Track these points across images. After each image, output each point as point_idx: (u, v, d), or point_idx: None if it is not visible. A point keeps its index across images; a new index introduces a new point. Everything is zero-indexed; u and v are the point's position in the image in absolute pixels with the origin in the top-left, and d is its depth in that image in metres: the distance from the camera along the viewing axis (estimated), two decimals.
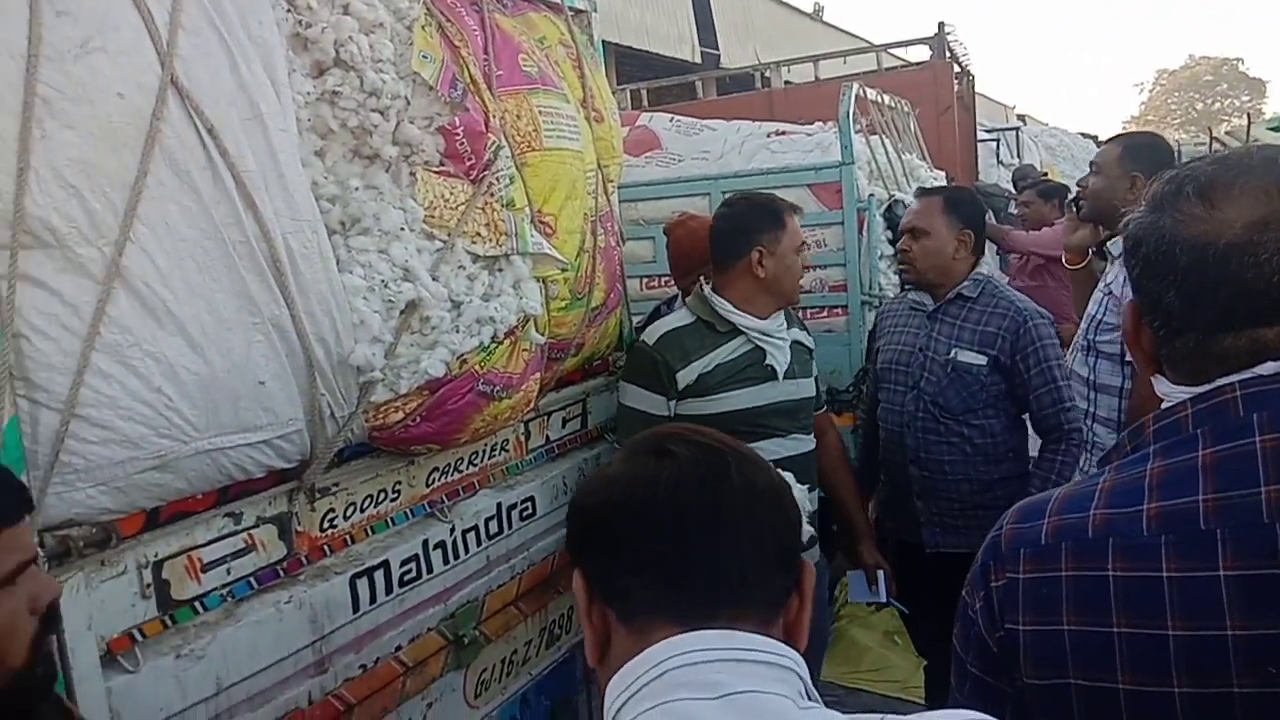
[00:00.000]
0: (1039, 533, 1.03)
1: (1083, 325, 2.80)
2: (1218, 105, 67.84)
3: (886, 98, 4.89)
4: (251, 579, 1.74)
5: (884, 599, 2.82)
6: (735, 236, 2.55)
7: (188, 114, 1.49)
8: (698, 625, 0.87)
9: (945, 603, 2.99)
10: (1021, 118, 24.38)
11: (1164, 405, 1.02)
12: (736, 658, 0.85)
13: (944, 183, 5.22)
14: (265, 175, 1.59)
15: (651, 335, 2.59)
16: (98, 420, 1.40)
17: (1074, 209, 3.56)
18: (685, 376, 2.49)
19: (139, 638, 1.53)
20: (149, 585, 1.56)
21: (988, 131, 12.09)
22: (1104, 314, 2.67)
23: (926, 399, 2.83)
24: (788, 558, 0.94)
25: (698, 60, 14.78)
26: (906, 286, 3.01)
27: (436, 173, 1.93)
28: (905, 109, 5.33)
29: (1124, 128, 70.65)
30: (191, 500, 1.61)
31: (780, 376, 2.53)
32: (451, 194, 1.95)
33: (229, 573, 1.70)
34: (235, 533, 1.71)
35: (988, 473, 2.81)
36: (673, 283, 3.99)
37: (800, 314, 3.11)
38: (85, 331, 1.38)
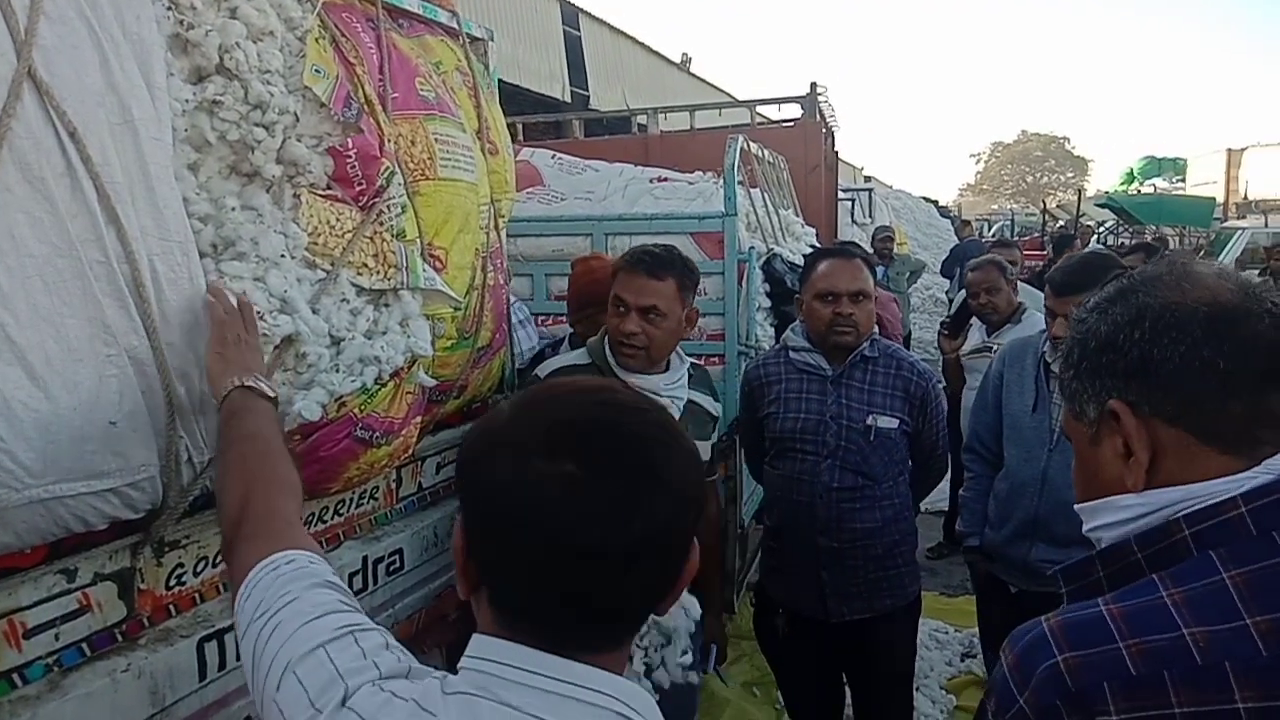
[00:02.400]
0: (1120, 662, 0.89)
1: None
2: (1046, 179, 73.27)
3: (766, 152, 4.96)
4: (84, 644, 1.52)
5: (711, 669, 2.88)
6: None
7: (46, 113, 1.29)
8: (554, 649, 0.89)
9: (833, 671, 3.00)
10: (868, 179, 25.57)
11: (1197, 502, 0.94)
12: (560, 691, 0.88)
13: (815, 240, 5.33)
14: (133, 188, 1.40)
15: (544, 370, 2.50)
16: None
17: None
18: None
19: None
20: None
21: (844, 191, 12.58)
22: None
23: (849, 468, 2.75)
24: (674, 577, 0.95)
25: (567, 99, 14.82)
26: (793, 344, 2.90)
27: (323, 196, 1.78)
28: (781, 164, 5.42)
29: (960, 194, 75.27)
30: (18, 555, 1.39)
31: None
32: (338, 220, 1.79)
33: (57, 638, 1.48)
34: (68, 591, 1.49)
35: (896, 531, 2.81)
36: (553, 322, 3.92)
37: None
38: None
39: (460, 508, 0.96)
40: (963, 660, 4.53)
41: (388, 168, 1.86)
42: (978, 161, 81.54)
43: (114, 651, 1.57)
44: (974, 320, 4.83)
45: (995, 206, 54.07)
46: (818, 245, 5.34)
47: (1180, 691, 0.86)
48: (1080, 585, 1.02)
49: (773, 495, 2.94)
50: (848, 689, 3.07)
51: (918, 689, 4.12)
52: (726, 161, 3.88)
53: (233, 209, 1.63)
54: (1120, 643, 0.90)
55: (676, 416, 2.40)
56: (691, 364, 2.65)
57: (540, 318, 3.91)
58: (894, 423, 2.77)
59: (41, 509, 1.34)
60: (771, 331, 4.18)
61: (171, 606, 1.69)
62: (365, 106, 1.84)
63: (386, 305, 1.89)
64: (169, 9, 1.56)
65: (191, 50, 1.59)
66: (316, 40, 1.79)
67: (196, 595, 1.75)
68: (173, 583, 1.70)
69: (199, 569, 1.76)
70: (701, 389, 2.65)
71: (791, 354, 2.89)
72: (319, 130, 1.78)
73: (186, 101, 1.56)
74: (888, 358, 2.83)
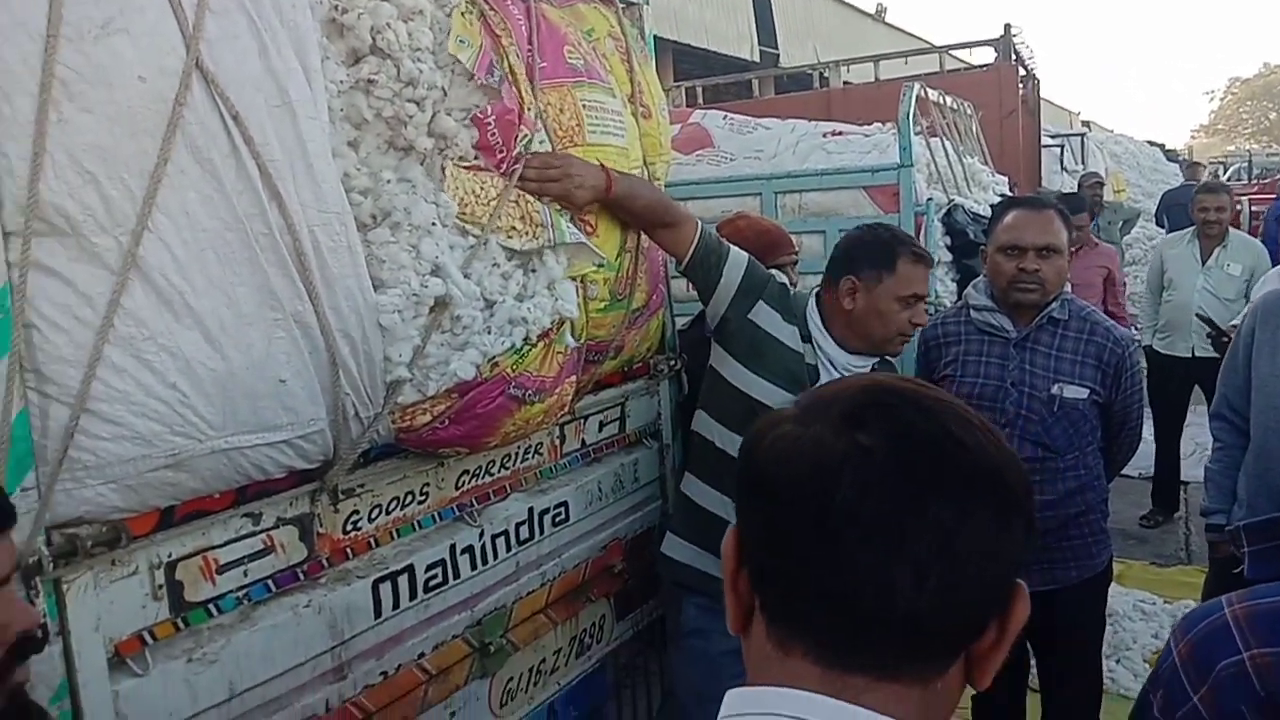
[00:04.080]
0: None
1: None
2: None
3: (949, 99, 4.74)
4: (269, 582, 1.69)
5: None
6: (839, 260, 2.43)
7: (212, 99, 1.43)
8: (839, 668, 0.71)
9: (1016, 641, 2.88)
10: (1086, 124, 23.85)
11: None
12: None
13: (1006, 188, 5.06)
14: (292, 165, 1.53)
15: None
16: (109, 416, 1.35)
17: None
18: (748, 305, 2.35)
19: (149, 640, 1.48)
20: (161, 586, 1.51)
21: (1052, 137, 11.82)
22: None
23: (1029, 438, 2.58)
24: (992, 592, 0.73)
25: (756, 59, 14.64)
26: (975, 301, 2.72)
27: (468, 168, 1.86)
28: (968, 111, 5.17)
29: (1193, 137, 69.07)
30: (208, 500, 1.56)
31: None
32: (483, 189, 1.88)
33: (246, 575, 1.65)
34: (253, 534, 1.66)
35: (1081, 503, 2.64)
36: None
37: None
38: (98, 324, 1.33)
39: (737, 516, 0.81)
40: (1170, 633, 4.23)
41: (525, 135, 1.92)
42: (1212, 99, 74.46)
43: (297, 589, 1.74)
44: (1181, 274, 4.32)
45: (1232, 147, 49.13)
46: (1010, 194, 5.07)
47: None
48: (1263, 548, 0.91)
49: None
50: (1032, 659, 2.95)
51: (1118, 661, 3.90)
52: (900, 110, 3.75)
53: (388, 181, 1.75)
54: None
55: None
56: (882, 358, 2.54)
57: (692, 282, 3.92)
58: (1083, 392, 2.57)
59: (223, 458, 1.50)
60: (954, 288, 4.02)
61: (348, 549, 1.85)
62: (508, 75, 1.91)
63: (533, 270, 1.96)
64: None
65: (346, 33, 1.70)
66: (463, 14, 1.87)
67: (372, 540, 1.90)
68: (349, 528, 1.85)
69: (373, 515, 1.91)
70: None
71: (973, 313, 2.71)
72: (466, 103, 1.87)
73: (342, 83, 1.68)
74: (1080, 320, 2.62)
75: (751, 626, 0.77)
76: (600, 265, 2.14)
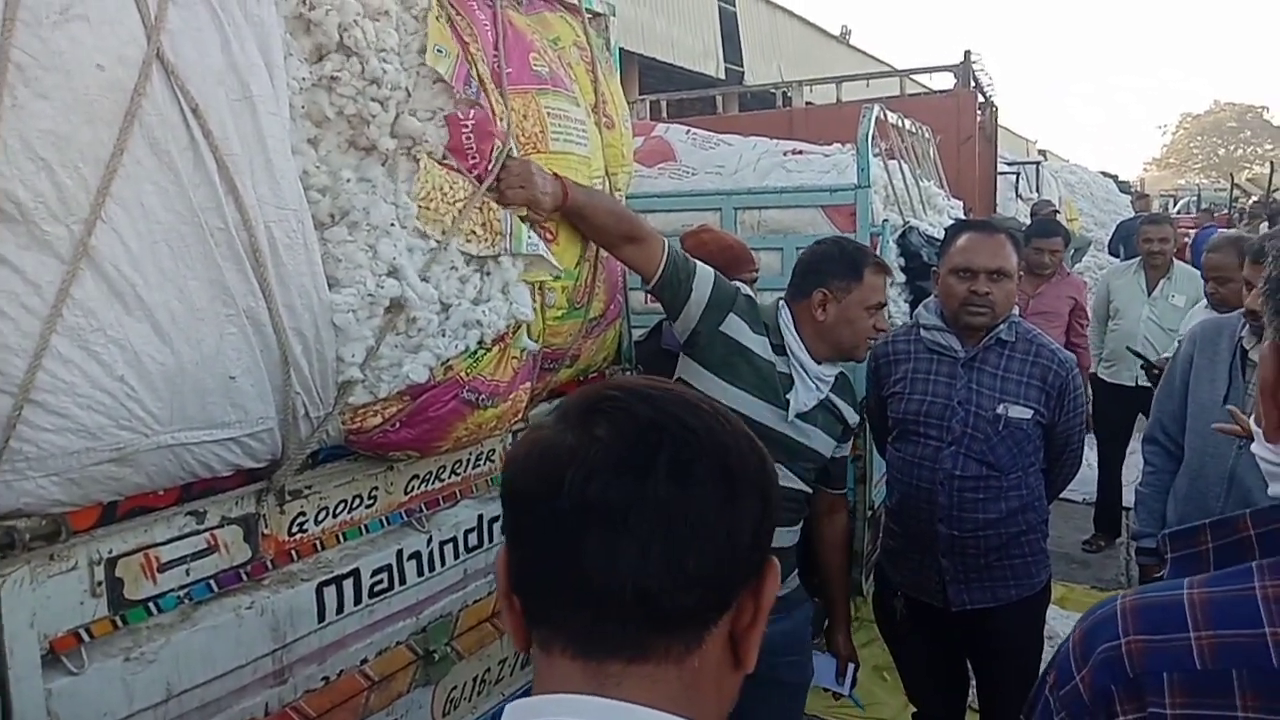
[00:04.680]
0: (1187, 653, 0.83)
1: None
2: (1240, 152, 67.83)
3: (908, 122, 4.81)
4: (212, 581, 1.66)
5: (846, 692, 2.78)
6: (807, 274, 2.47)
7: (172, 91, 1.41)
8: (594, 658, 0.73)
9: (955, 659, 2.89)
10: (1042, 152, 24.34)
11: None
12: None
13: (961, 213, 5.15)
14: (251, 160, 1.51)
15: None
16: (54, 407, 1.33)
17: None
18: (719, 318, 2.37)
19: (86, 638, 1.45)
20: (100, 583, 1.48)
21: (1008, 164, 12.04)
22: None
23: (973, 456, 2.62)
24: (730, 565, 0.75)
25: (721, 76, 14.77)
26: (925, 321, 2.76)
27: (440, 164, 1.86)
28: (926, 135, 5.26)
29: (1145, 169, 70.72)
30: (152, 496, 1.53)
31: (790, 414, 2.36)
32: (451, 189, 1.88)
33: (188, 574, 1.62)
34: (197, 532, 1.64)
35: (1023, 522, 2.68)
36: None
37: None
38: (46, 313, 1.30)
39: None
40: None
41: (500, 146, 1.93)
42: (1164, 134, 76.41)
43: (239, 590, 1.71)
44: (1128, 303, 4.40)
45: (1182, 181, 50.42)
46: (964, 219, 5.16)
47: (1247, 694, 0.79)
48: (1184, 555, 0.94)
49: (893, 477, 2.83)
50: (973, 678, 2.99)
51: None
52: (859, 132, 3.80)
53: (348, 180, 1.74)
54: (1190, 634, 0.83)
55: (817, 399, 2.42)
56: (841, 372, 2.58)
57: (650, 294, 3.93)
58: (1028, 413, 2.62)
59: (169, 454, 1.48)
60: (906, 308, 4.07)
61: (293, 551, 1.83)
62: (480, 84, 1.91)
63: (488, 273, 1.96)
64: None
65: (312, 29, 1.70)
66: (436, 18, 1.87)
67: (317, 542, 1.88)
68: (294, 530, 1.83)
69: (320, 518, 1.89)
70: (845, 396, 2.55)
71: (923, 332, 2.75)
72: (432, 105, 1.87)
73: (304, 80, 1.67)
74: (1026, 342, 2.67)
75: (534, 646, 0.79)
76: (557, 276, 2.14)
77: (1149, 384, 4.31)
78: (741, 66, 15.56)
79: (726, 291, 2.39)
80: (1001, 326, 2.65)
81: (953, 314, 2.67)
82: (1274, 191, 18.03)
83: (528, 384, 2.14)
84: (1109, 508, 5.87)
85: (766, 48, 16.71)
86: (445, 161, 1.89)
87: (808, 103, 7.64)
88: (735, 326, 2.37)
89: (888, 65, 20.17)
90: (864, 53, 21.01)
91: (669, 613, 0.73)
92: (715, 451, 0.75)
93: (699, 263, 2.40)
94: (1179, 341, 4.11)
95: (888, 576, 2.93)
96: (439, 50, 1.85)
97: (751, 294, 2.51)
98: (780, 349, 2.43)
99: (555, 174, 2.12)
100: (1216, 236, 4.23)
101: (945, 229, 3.23)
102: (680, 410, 0.77)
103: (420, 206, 1.81)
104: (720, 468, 0.75)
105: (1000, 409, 2.61)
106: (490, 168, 1.95)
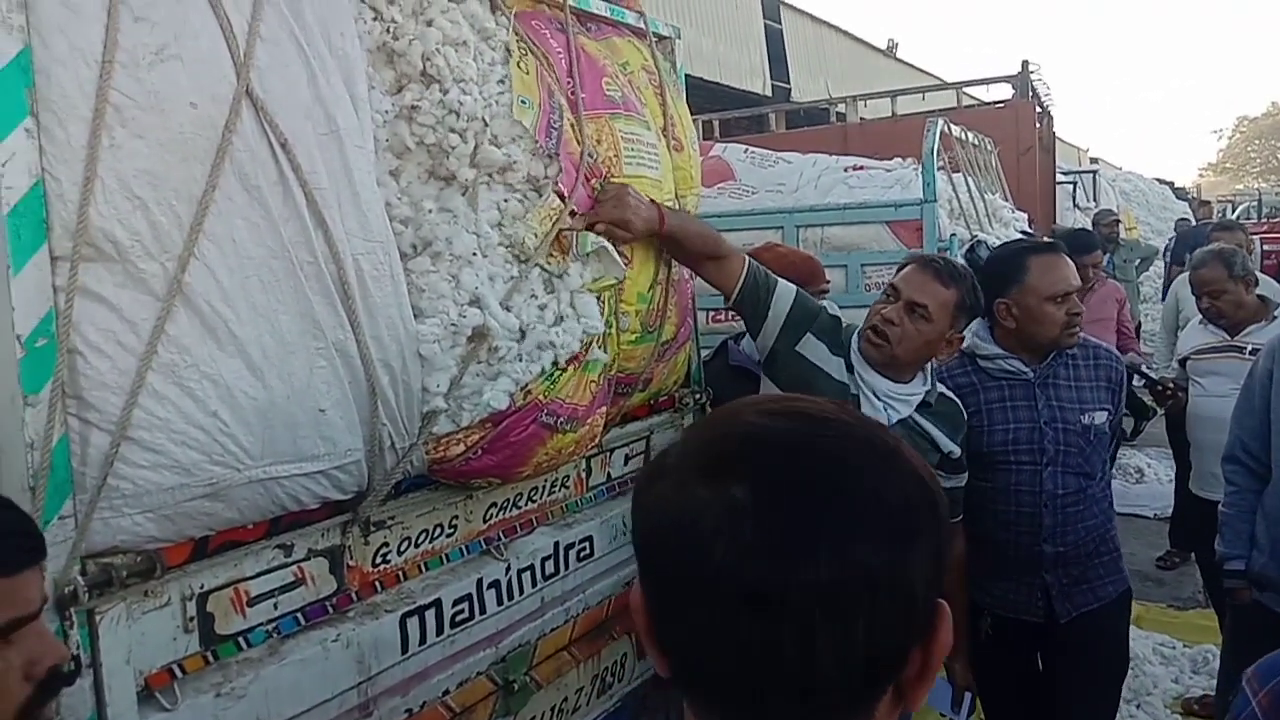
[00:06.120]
0: None
1: None
2: None
3: (970, 135, 4.75)
4: (299, 614, 1.66)
5: (962, 719, 2.72)
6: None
7: (261, 127, 1.42)
8: None
9: (1040, 676, 2.81)
10: (1094, 160, 23.94)
11: None
12: None
13: (1026, 225, 5.06)
14: (339, 193, 1.52)
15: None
16: (149, 444, 1.33)
17: None
18: (796, 338, 2.36)
19: (179, 674, 1.45)
20: (192, 618, 1.48)
21: (1064, 174, 11.84)
22: None
23: (1070, 471, 2.60)
24: (904, 633, 0.68)
25: (768, 93, 14.73)
26: (982, 350, 2.68)
27: (520, 198, 1.88)
28: (988, 147, 5.18)
29: (1200, 175, 69.35)
30: (241, 530, 1.53)
31: None
32: (531, 212, 1.88)
33: (276, 607, 1.62)
34: (285, 565, 1.63)
35: (1108, 527, 2.72)
36: (728, 318, 3.91)
37: None
38: (142, 350, 1.31)
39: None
40: (1191, 677, 4.17)
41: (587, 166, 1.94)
42: (1220, 138, 74.88)
43: (325, 622, 1.70)
44: (1195, 315, 4.26)
45: (1240, 186, 49.28)
46: (1029, 231, 5.07)
47: None
48: None
49: (981, 508, 2.67)
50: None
51: (1138, 706, 3.84)
52: (925, 146, 3.75)
53: (429, 211, 1.74)
54: None
55: (888, 420, 2.32)
56: (942, 393, 2.48)
57: (713, 313, 3.90)
58: (1104, 415, 2.65)
59: (260, 488, 1.48)
60: (974, 325, 3.99)
61: (377, 583, 1.82)
62: (562, 117, 1.92)
63: (557, 290, 1.95)
64: (374, 19, 1.68)
65: (396, 59, 1.70)
66: (518, 65, 1.87)
67: (400, 573, 1.87)
68: (378, 560, 1.82)
69: (402, 548, 1.88)
70: (940, 423, 2.44)
71: (981, 362, 2.68)
72: (511, 133, 1.86)
73: (386, 112, 1.68)
74: (1082, 348, 2.68)
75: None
76: (620, 278, 2.11)
77: (1158, 405, 4.24)
78: (788, 83, 15.52)
79: (808, 310, 2.36)
80: None
81: (1053, 340, 2.61)
82: None
83: (604, 408, 2.12)
84: (1182, 522, 5.70)
85: (813, 64, 16.65)
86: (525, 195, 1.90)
87: (862, 118, 7.57)
88: (812, 347, 2.34)
89: (936, 78, 20.00)
90: (912, 66, 20.84)
91: (837, 701, 0.67)
92: (878, 509, 0.67)
93: (781, 280, 2.38)
94: (1176, 362, 4.01)
95: (971, 600, 2.85)
96: (523, 101, 1.86)
97: (839, 314, 2.48)
98: (852, 368, 2.39)
99: (652, 200, 2.11)
100: (1200, 252, 4.14)
101: (999, 251, 3.14)
102: (829, 461, 0.68)
103: (501, 237, 1.81)
104: (887, 530, 0.66)
105: (1086, 418, 2.61)
106: (570, 194, 1.94)
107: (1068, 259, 2.63)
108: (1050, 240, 2.80)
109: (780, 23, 15.57)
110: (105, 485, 1.30)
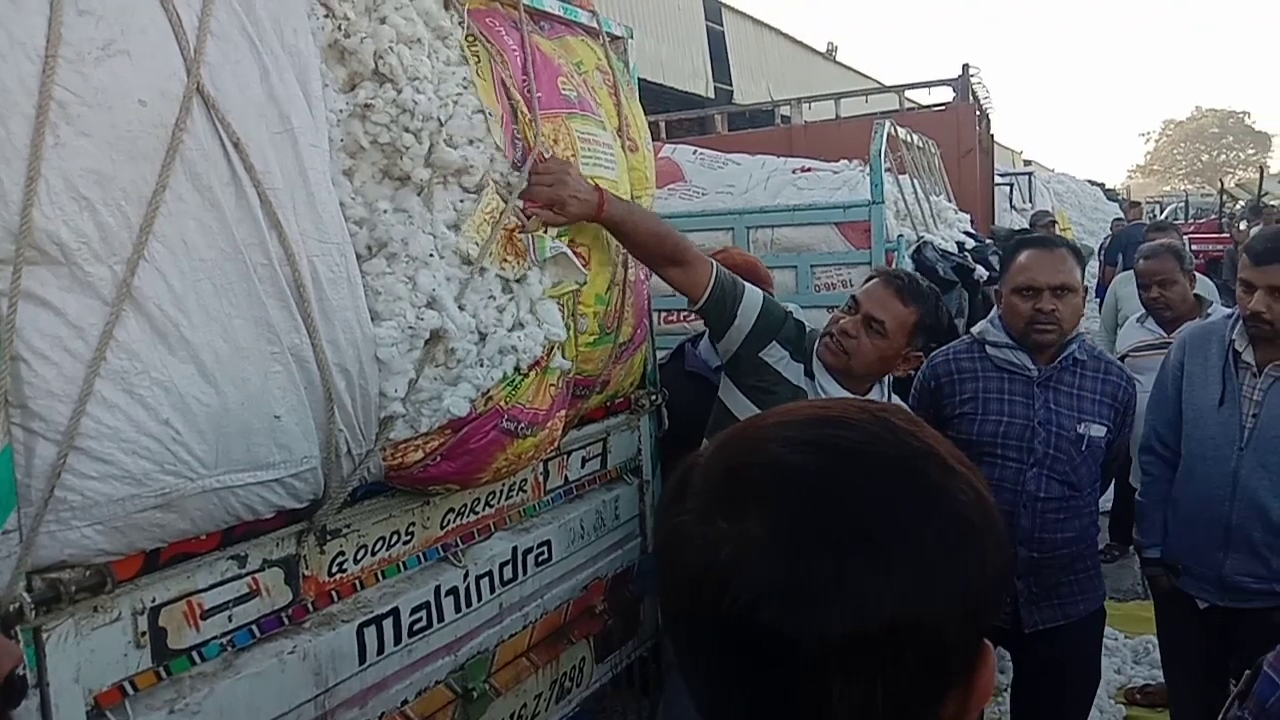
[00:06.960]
0: None
1: None
2: (1223, 157, 68.45)
3: (915, 137, 4.81)
4: (254, 627, 1.61)
5: None
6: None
7: (213, 125, 1.38)
8: None
9: (1028, 682, 2.82)
10: (1028, 163, 24.49)
11: None
12: None
13: (969, 226, 5.14)
14: (293, 193, 1.48)
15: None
16: (98, 453, 1.28)
17: None
18: (761, 345, 2.36)
19: (130, 691, 1.40)
20: (144, 633, 1.43)
21: (1001, 176, 12.08)
22: None
23: (1055, 477, 2.57)
24: (940, 678, 0.63)
25: (711, 95, 14.81)
26: (992, 339, 2.67)
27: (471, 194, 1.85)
28: (932, 149, 5.26)
29: (1129, 176, 71.36)
30: (194, 541, 1.48)
31: None
32: (483, 219, 1.85)
33: (230, 620, 1.57)
34: (239, 576, 1.59)
35: (1089, 539, 2.69)
36: (684, 319, 3.91)
37: None
38: (90, 356, 1.26)
39: None
40: (1133, 668, 4.27)
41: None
42: (1148, 141, 77.23)
43: (281, 634, 1.66)
44: (1134, 314, 4.39)
45: (1167, 188, 50.75)
46: (971, 232, 5.15)
47: None
48: None
49: None
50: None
51: None
52: (872, 148, 3.79)
53: (384, 211, 1.70)
54: None
55: None
56: (897, 405, 2.50)
57: (687, 314, 3.89)
58: (1103, 431, 2.60)
59: (214, 498, 1.43)
60: (992, 311, 4.05)
61: (334, 592, 1.78)
62: (513, 114, 1.89)
63: (517, 296, 1.92)
64: (326, 16, 1.64)
65: (348, 57, 1.67)
66: (478, 73, 1.85)
67: (357, 582, 1.83)
68: (334, 570, 1.78)
69: (359, 556, 1.84)
70: None
71: (990, 349, 2.68)
72: (468, 134, 1.83)
73: (340, 111, 1.64)
74: (1095, 360, 2.66)
75: None
76: (581, 283, 2.09)
77: None
78: (731, 85, 15.63)
79: (773, 318, 2.36)
80: (1073, 346, 2.62)
81: (1020, 333, 2.61)
82: (1264, 196, 18.14)
83: (564, 411, 2.10)
84: (1123, 515, 5.84)
85: (754, 66, 16.78)
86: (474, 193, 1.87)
87: (806, 121, 7.64)
88: (776, 354, 2.35)
89: (875, 81, 20.28)
90: (851, 69, 21.12)
91: None
92: (907, 556, 0.61)
93: (749, 287, 2.37)
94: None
95: None
96: (489, 114, 1.84)
97: (803, 320, 2.48)
98: (811, 374, 2.40)
99: (597, 185, 2.08)
100: (1148, 244, 4.35)
101: (1004, 247, 3.19)
102: (860, 493, 0.63)
103: (456, 237, 1.78)
104: (915, 579, 0.61)
105: (1082, 428, 2.58)
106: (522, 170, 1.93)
107: (1055, 256, 2.58)
108: (1050, 236, 2.78)
109: (722, 25, 15.68)
110: (52, 497, 1.24)
